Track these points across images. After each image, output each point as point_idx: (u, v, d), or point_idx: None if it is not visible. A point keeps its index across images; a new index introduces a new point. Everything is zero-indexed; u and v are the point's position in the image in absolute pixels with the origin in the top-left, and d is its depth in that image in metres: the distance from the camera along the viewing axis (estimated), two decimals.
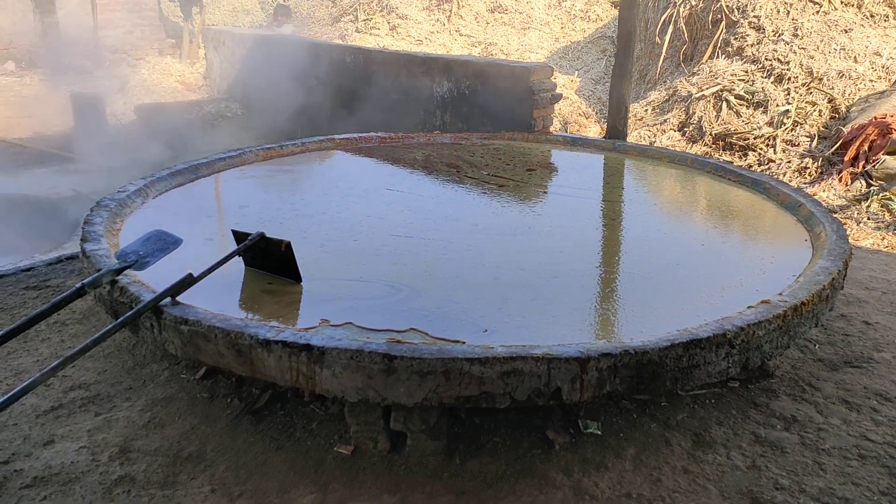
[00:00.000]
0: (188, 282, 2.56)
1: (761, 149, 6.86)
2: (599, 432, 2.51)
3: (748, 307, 2.62)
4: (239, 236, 2.91)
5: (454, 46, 12.45)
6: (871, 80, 6.86)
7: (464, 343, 2.36)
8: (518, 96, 5.54)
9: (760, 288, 2.88)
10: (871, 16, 7.52)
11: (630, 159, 5.18)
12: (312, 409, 2.63)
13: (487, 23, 13.14)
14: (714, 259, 3.35)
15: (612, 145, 5.40)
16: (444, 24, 13.06)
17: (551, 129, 5.79)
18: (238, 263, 2.97)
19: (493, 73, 5.74)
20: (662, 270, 3.20)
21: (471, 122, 5.95)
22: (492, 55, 11.71)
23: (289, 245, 2.81)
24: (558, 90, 5.67)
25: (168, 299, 2.52)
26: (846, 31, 7.34)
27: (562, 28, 12.89)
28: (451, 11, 13.14)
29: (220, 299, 2.73)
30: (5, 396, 2.05)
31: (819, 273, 2.91)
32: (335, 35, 13.55)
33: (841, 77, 6.89)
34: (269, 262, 2.92)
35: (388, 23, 13.15)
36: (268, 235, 2.87)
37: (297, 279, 2.87)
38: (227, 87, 8.83)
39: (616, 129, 5.55)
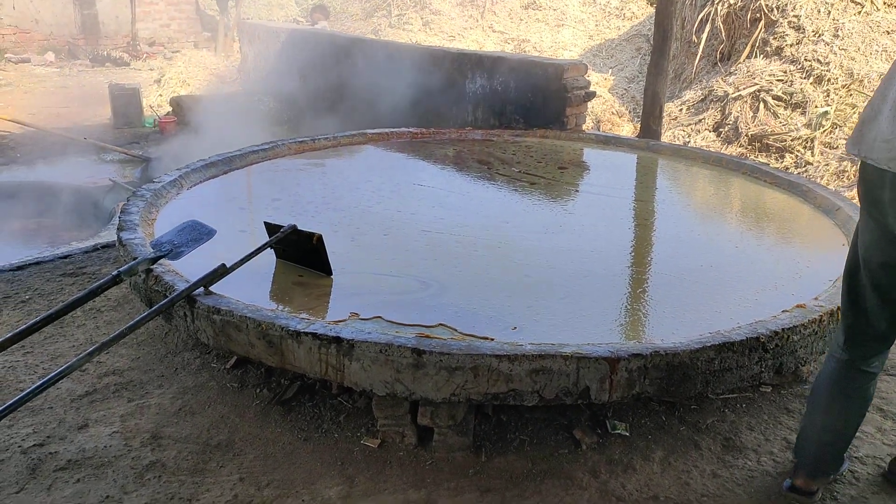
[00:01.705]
0: (221, 272, 2.58)
1: (798, 151, 6.74)
2: (627, 433, 2.49)
3: (783, 311, 2.58)
4: (271, 228, 2.94)
5: (487, 43, 12.40)
6: None
7: (493, 340, 2.35)
8: (551, 93, 5.50)
9: (796, 292, 2.84)
10: None
11: (664, 159, 5.12)
12: (340, 401, 2.64)
13: (521, 19, 13.07)
14: (748, 262, 3.30)
15: (646, 144, 5.34)
16: (477, 21, 13.02)
17: (584, 127, 5.74)
18: (270, 255, 3.00)
19: (526, 69, 5.71)
20: (695, 272, 3.16)
21: (503, 118, 5.92)
22: (525, 52, 11.65)
23: (320, 238, 2.83)
24: (592, 88, 5.62)
25: (201, 289, 2.55)
26: (888, 33, 7.17)
27: (596, 25, 12.77)
28: (484, 7, 13.09)
29: (252, 290, 2.76)
30: (42, 381, 2.09)
31: None
32: (368, 30, 13.58)
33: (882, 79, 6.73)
34: (301, 254, 2.94)
35: (421, 18, 13.14)
36: (299, 228, 2.89)
37: (328, 272, 2.89)
38: (261, 81, 8.90)
39: (650, 127, 5.49)
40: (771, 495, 2.19)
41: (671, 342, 2.31)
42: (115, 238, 3.15)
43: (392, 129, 5.39)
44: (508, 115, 5.90)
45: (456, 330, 2.48)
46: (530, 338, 2.40)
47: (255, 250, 2.78)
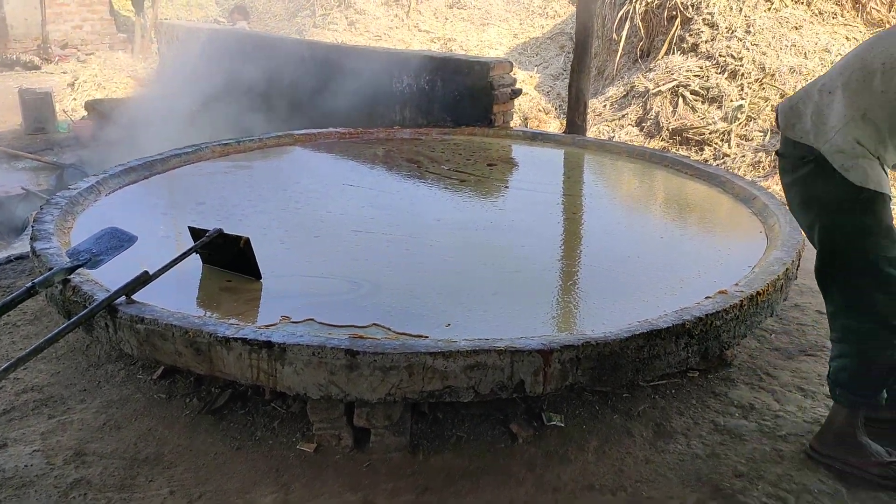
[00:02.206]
0: (144, 280, 2.50)
1: (717, 143, 6.98)
2: (563, 424, 2.52)
3: (706, 298, 2.65)
4: (196, 233, 2.86)
5: (413, 42, 12.40)
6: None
7: (427, 338, 2.35)
8: (478, 92, 5.54)
9: (717, 279, 2.93)
10: (820, 13, 7.71)
11: (590, 154, 5.22)
12: (273, 407, 2.59)
13: (447, 18, 13.13)
14: (673, 251, 3.40)
15: (572, 140, 5.43)
16: (402, 20, 13.01)
17: (511, 124, 5.80)
18: (196, 261, 2.91)
19: (453, 68, 5.73)
20: (623, 263, 3.23)
21: (431, 117, 5.93)
22: (451, 51, 11.71)
23: (248, 241, 2.77)
24: (518, 86, 5.68)
25: (123, 298, 2.46)
26: (796, 28, 7.51)
27: (520, 24, 12.94)
28: (409, 7, 13.09)
29: (178, 297, 2.68)
30: None
31: (773, 264, 2.97)
32: (292, 30, 13.40)
33: (792, 73, 7.04)
34: (228, 258, 2.87)
35: (346, 18, 13.05)
36: (226, 232, 2.82)
37: (257, 276, 2.83)
38: (181, 83, 8.67)
39: (575, 124, 5.59)
40: (701, 477, 2.26)
41: (601, 332, 2.35)
42: (29, 248, 3.01)
43: (319, 130, 5.32)
44: (436, 114, 5.91)
45: (390, 329, 2.46)
46: (464, 334, 2.40)
47: (180, 256, 2.70)
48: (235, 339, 2.24)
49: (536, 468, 2.30)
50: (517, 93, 5.63)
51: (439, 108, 5.88)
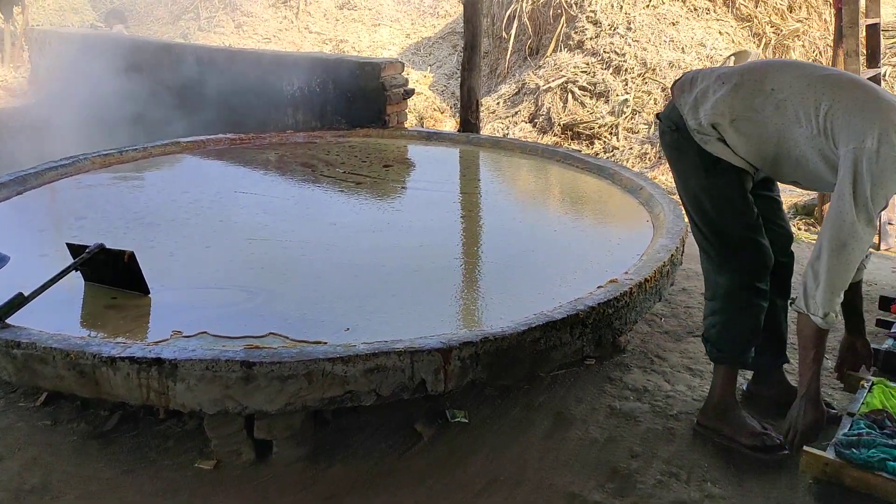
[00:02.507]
0: (19, 302, 2.35)
1: (606, 137, 7.24)
2: (467, 420, 2.55)
3: (598, 287, 2.74)
4: (75, 249, 2.71)
5: (304, 44, 12.22)
6: (698, 69, 7.40)
7: (325, 343, 2.32)
8: (370, 93, 5.52)
9: (609, 268, 3.03)
10: (695, 9, 8.11)
11: (484, 151, 5.30)
12: (168, 426, 2.49)
13: (337, 19, 13.01)
14: (566, 243, 3.49)
15: (467, 138, 5.49)
16: (292, 22, 12.80)
17: (406, 124, 5.81)
18: (77, 279, 2.77)
19: (344, 70, 5.69)
20: (519, 257, 3.30)
21: (324, 119, 5.86)
22: (343, 52, 11.61)
23: (132, 255, 2.65)
24: (411, 86, 5.70)
25: None
26: (674, 24, 7.88)
27: (412, 24, 12.98)
28: (298, 8, 12.90)
29: (59, 319, 2.54)
30: None
31: (660, 251, 3.10)
32: (177, 34, 12.94)
33: (671, 67, 7.39)
34: (112, 275, 2.74)
35: (233, 21, 12.72)
36: (108, 247, 2.69)
37: (145, 291, 2.72)
38: (55, 92, 8.20)
39: (469, 122, 5.66)
40: (600, 461, 2.33)
41: (499, 327, 2.38)
42: None
43: (208, 137, 5.16)
44: (330, 117, 5.84)
45: (287, 337, 2.41)
46: (364, 337, 2.38)
47: (57, 275, 2.55)
48: (122, 359, 2.14)
49: (441, 466, 2.31)
50: (410, 93, 5.65)
51: (332, 110, 5.82)
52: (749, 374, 2.70)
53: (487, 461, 2.34)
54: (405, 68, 5.69)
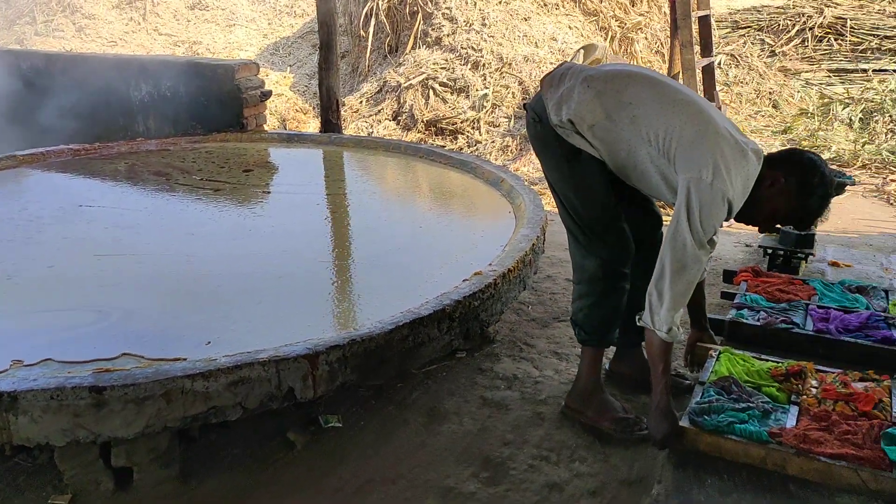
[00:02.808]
0: None
1: (468, 132, 7.35)
2: (340, 424, 2.52)
3: (464, 280, 2.78)
4: None
5: (155, 47, 11.64)
6: (551, 63, 7.67)
7: (185, 360, 2.22)
8: (225, 96, 5.33)
9: (473, 261, 3.08)
10: (545, 4, 8.39)
11: (348, 151, 5.25)
12: (17, 462, 2.30)
13: (188, 20, 12.47)
14: (432, 239, 3.52)
15: (329, 139, 5.42)
16: (139, 24, 12.15)
17: (266, 126, 5.67)
18: None
19: (196, 73, 5.46)
20: (386, 256, 3.29)
21: (178, 125, 5.61)
22: (198, 54, 11.16)
23: None
24: (271, 87, 5.57)
25: None
26: (526, 20, 8.11)
27: (269, 24, 12.65)
28: (145, 9, 12.26)
29: None
30: None
31: (521, 241, 3.18)
32: (11, 40, 11.98)
33: (527, 61, 7.60)
34: None
35: (74, 24, 11.92)
36: None
37: None
38: None
39: (331, 122, 5.59)
40: (473, 452, 2.37)
41: (366, 328, 2.37)
42: None
43: (48, 148, 4.81)
44: (184, 122, 5.60)
45: (143, 357, 2.29)
46: (228, 349, 2.29)
47: None
48: None
49: (316, 472, 2.27)
50: (267, 94, 5.51)
51: (187, 115, 5.58)
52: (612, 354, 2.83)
53: (362, 463, 2.32)
54: (263, 69, 5.54)
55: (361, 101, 8.38)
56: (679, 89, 2.30)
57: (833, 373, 2.55)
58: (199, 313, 2.73)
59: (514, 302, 3.19)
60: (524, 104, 2.56)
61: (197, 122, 5.52)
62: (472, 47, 7.83)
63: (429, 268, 3.12)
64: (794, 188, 2.17)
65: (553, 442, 2.41)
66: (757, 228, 2.42)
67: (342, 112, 7.42)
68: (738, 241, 4.66)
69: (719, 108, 5.92)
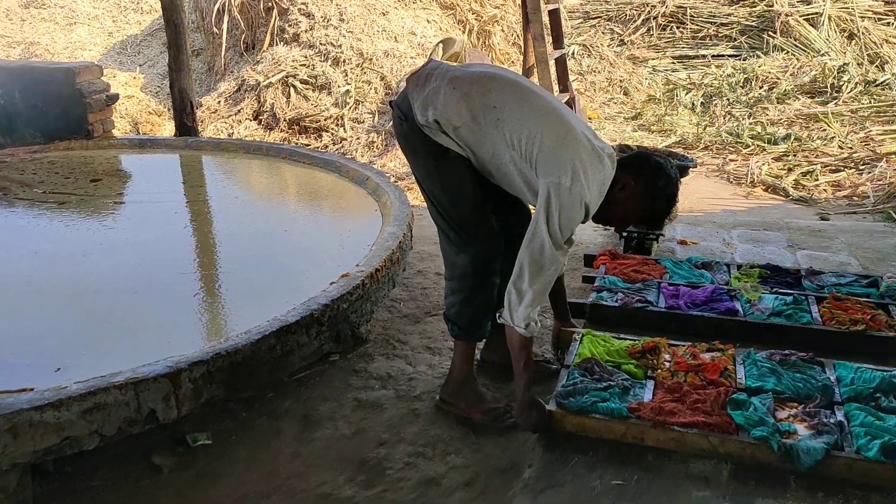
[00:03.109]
0: None
1: (333, 129, 7.27)
2: (210, 442, 2.43)
3: (331, 283, 2.76)
4: None
5: None
6: (412, 57, 7.72)
7: (32, 390, 2.07)
8: (66, 101, 5.00)
9: (341, 262, 3.06)
10: None
11: (207, 155, 5.07)
12: None
13: (23, 20, 11.57)
14: (298, 243, 3.47)
15: (185, 143, 5.21)
16: None
17: (116, 132, 5.36)
18: None
19: (31, 77, 5.08)
20: (251, 263, 3.21)
21: (14, 135, 5.19)
22: (35, 56, 10.38)
23: None
24: (120, 89, 5.31)
25: None
26: (384, 14, 8.11)
27: (114, 21, 11.94)
28: None
29: None
30: None
31: (388, 239, 3.19)
32: None
33: (387, 56, 7.60)
34: None
35: None
36: None
37: None
38: None
39: (186, 125, 5.36)
40: (349, 456, 2.35)
41: (231, 341, 2.30)
42: None
43: None
44: (21, 132, 5.19)
45: None
46: (80, 375, 2.16)
47: None
48: None
49: (186, 495, 2.18)
50: (114, 98, 5.21)
51: (24, 123, 5.18)
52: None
53: (236, 479, 2.25)
54: (110, 70, 5.23)
55: (219, 101, 8.09)
56: (541, 95, 2.36)
57: (683, 346, 2.73)
58: (47, 339, 2.55)
59: (385, 300, 3.19)
60: (390, 102, 2.55)
61: (36, 131, 5.14)
62: (332, 43, 7.74)
63: (296, 272, 3.07)
64: (643, 191, 2.31)
65: (428, 437, 2.44)
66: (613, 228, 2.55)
67: (199, 113, 7.16)
68: (598, 225, 4.88)
69: (574, 98, 6.17)
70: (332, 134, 7.28)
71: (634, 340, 2.77)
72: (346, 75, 7.57)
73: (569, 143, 2.22)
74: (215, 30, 8.77)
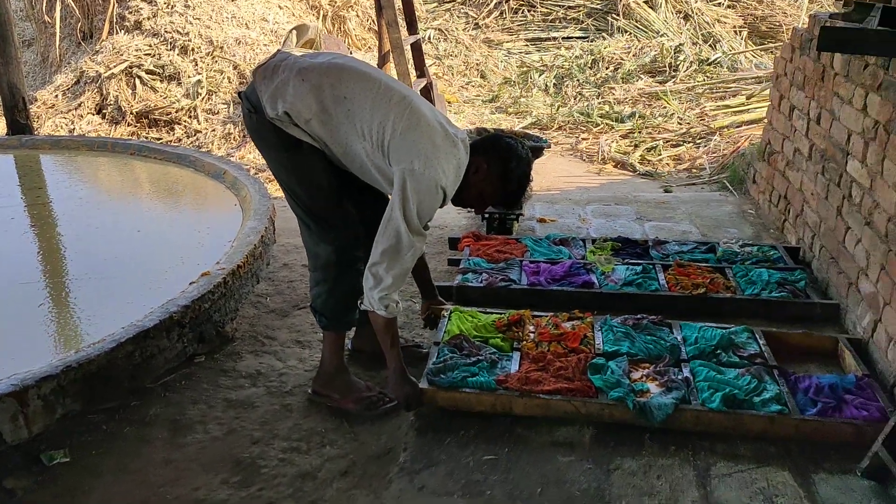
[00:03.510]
0: None
1: (186, 121, 6.96)
2: (68, 458, 2.30)
3: (190, 284, 2.67)
4: None
5: None
6: (265, 45, 7.50)
7: None
8: None
9: (201, 261, 2.97)
10: None
11: (46, 154, 4.74)
12: None
13: None
14: (153, 243, 3.32)
15: (19, 142, 4.83)
16: None
17: None
18: None
19: None
20: (103, 268, 3.05)
21: None
22: None
23: None
24: None
25: None
26: (233, 0, 7.82)
27: None
28: None
29: None
30: None
31: (249, 234, 3.12)
32: None
33: (239, 44, 7.35)
34: None
35: None
36: None
37: None
38: None
39: (18, 123, 4.96)
40: (222, 457, 2.30)
41: (83, 352, 2.19)
42: None
43: None
44: None
45: None
46: None
47: None
48: None
49: None
50: None
51: None
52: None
53: (103, 492, 2.15)
54: None
55: (57, 95, 7.54)
56: (391, 84, 2.36)
57: (546, 316, 2.87)
58: None
59: (250, 296, 3.13)
60: (239, 93, 2.48)
61: None
62: (178, 31, 7.39)
63: (152, 274, 2.95)
64: (497, 173, 2.37)
65: (302, 431, 2.43)
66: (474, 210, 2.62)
67: (34, 109, 6.66)
68: (460, 208, 4.98)
69: (431, 83, 6.24)
70: (186, 127, 6.97)
71: (500, 314, 2.88)
72: (197, 64, 7.25)
73: (420, 130, 2.25)
74: (47, 18, 8.15)
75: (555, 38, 10.00)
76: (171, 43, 7.34)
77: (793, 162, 3.85)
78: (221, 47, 7.32)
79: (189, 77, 7.18)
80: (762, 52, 8.68)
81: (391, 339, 2.36)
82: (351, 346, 2.89)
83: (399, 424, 2.42)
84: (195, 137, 6.87)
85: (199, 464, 2.28)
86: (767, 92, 6.28)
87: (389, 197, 2.30)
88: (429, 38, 9.67)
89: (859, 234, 2.91)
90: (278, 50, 2.53)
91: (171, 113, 7.01)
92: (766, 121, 4.52)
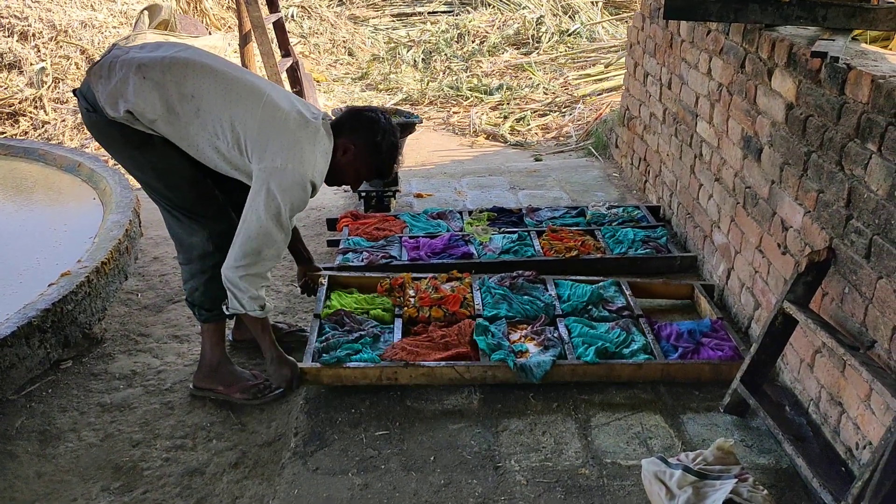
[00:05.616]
0: None
1: (32, 112, 6.47)
2: None
3: (50, 285, 2.50)
4: None
5: None
6: (114, 27, 7.07)
7: None
8: None
9: (60, 260, 2.78)
10: None
11: None
12: None
13: None
14: (4, 245, 3.08)
15: None
16: None
17: None
18: None
19: None
20: None
21: None
22: None
23: None
24: None
25: None
26: None
27: None
28: None
29: None
30: None
31: (112, 228, 2.95)
32: None
33: (85, 27, 6.88)
34: None
35: None
36: None
37: None
38: None
39: None
40: (101, 464, 2.20)
41: None
42: None
43: None
44: None
45: None
46: None
47: None
48: None
49: None
50: None
51: None
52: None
53: None
54: None
55: None
56: (241, 77, 2.26)
57: (425, 278, 2.93)
58: None
59: (119, 294, 2.98)
60: (74, 91, 2.31)
61: None
62: (15, 15, 6.83)
63: (6, 278, 2.73)
64: (365, 150, 2.33)
65: (186, 428, 2.35)
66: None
67: None
68: (337, 188, 4.93)
69: (298, 62, 6.09)
70: (32, 118, 6.48)
71: (382, 276, 2.94)
72: (39, 51, 6.74)
73: (278, 123, 2.18)
74: None
75: (420, 13, 10.00)
76: (7, 29, 6.78)
77: (649, 126, 4.06)
78: (66, 31, 6.84)
79: (31, 65, 6.67)
80: (617, 22, 9.04)
81: (262, 326, 2.33)
82: (231, 338, 2.81)
83: (289, 409, 2.40)
84: (43, 129, 6.41)
85: (75, 473, 2.17)
86: (623, 60, 6.58)
87: None
88: (292, 16, 9.42)
89: (710, 190, 3.12)
90: (113, 45, 2.39)
91: (13, 104, 6.49)
92: (623, 88, 4.73)
